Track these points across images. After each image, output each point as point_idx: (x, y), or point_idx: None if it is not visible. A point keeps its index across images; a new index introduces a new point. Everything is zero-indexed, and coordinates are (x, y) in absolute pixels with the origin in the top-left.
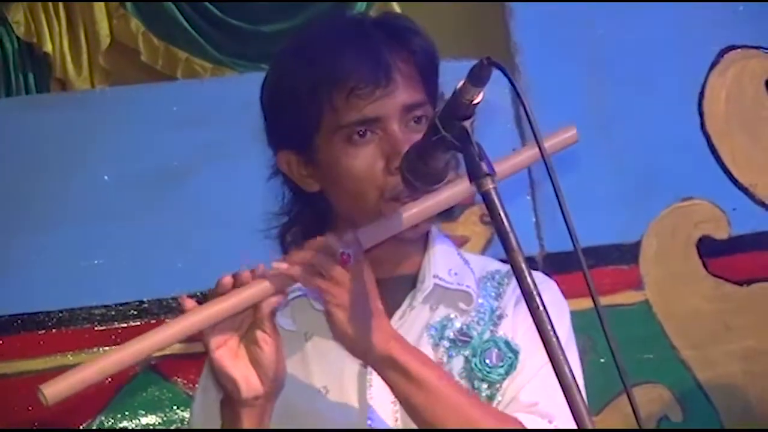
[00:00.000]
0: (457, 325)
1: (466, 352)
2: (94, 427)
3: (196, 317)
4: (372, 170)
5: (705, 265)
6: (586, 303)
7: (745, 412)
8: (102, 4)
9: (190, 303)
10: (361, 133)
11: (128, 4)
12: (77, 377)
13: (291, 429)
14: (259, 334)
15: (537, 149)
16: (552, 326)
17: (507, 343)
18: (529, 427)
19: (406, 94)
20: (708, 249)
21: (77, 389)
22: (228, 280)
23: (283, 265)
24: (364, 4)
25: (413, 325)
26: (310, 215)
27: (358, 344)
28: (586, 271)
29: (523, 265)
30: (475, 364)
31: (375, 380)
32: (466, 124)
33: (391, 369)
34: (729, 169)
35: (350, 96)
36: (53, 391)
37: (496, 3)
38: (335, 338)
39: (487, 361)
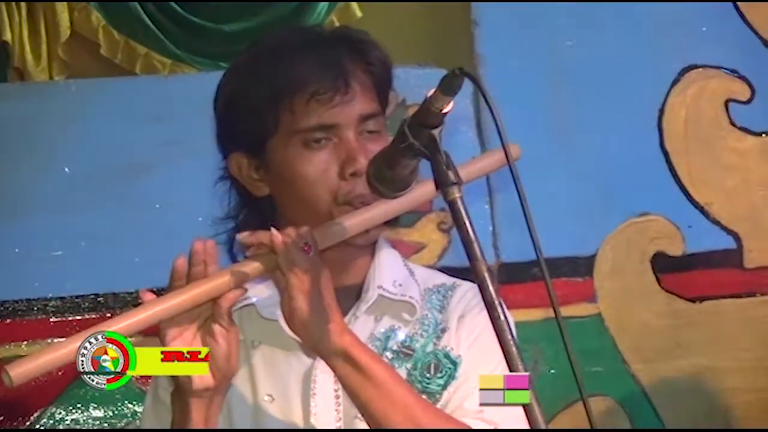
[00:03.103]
0: (401, 336)
1: (408, 365)
2: (45, 419)
3: (155, 308)
4: (326, 175)
5: (658, 281)
6: (537, 314)
7: (692, 427)
8: None
9: (148, 295)
10: (317, 138)
11: None
12: (42, 360)
13: (243, 429)
14: (216, 327)
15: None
16: (513, 336)
17: (447, 355)
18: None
19: (363, 104)
20: (662, 265)
21: (42, 372)
22: (182, 261)
23: (249, 238)
24: (325, 6)
25: (358, 335)
26: (257, 220)
27: (313, 334)
28: (548, 284)
29: (486, 275)
30: (416, 376)
31: (318, 389)
32: (435, 132)
33: (343, 361)
34: (686, 187)
35: (310, 101)
36: (18, 372)
37: (461, 11)
38: (291, 327)
39: (426, 373)
